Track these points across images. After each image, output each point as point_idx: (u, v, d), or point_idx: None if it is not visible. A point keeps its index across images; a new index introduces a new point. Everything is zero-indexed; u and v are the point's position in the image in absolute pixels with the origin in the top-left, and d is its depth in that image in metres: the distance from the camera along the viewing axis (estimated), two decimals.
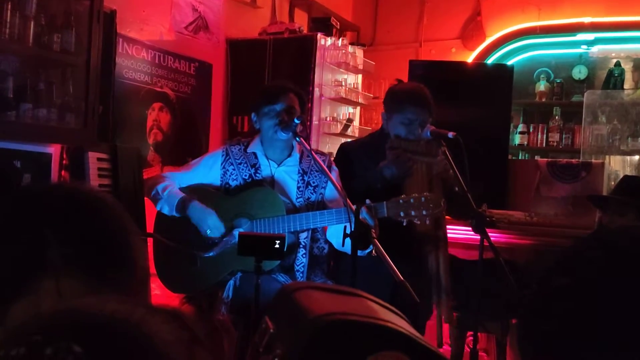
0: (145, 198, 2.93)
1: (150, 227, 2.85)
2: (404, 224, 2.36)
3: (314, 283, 2.33)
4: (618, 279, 0.55)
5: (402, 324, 0.66)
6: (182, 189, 2.59)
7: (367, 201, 2.34)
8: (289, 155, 2.63)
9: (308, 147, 2.46)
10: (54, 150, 2.88)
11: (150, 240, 2.91)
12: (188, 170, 2.67)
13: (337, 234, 2.54)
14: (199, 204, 2.49)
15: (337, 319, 0.60)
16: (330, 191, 2.61)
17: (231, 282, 2.49)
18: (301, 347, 0.60)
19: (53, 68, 2.78)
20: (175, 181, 2.61)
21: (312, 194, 2.61)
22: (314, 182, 2.62)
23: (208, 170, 2.63)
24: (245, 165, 2.60)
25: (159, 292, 3.19)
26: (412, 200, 2.32)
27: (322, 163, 2.43)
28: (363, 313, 0.64)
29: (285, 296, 0.72)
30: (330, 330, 0.60)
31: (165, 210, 2.54)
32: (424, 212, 2.31)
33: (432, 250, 2.64)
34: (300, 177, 2.61)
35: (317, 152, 2.70)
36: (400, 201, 2.33)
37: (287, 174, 2.62)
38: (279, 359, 0.62)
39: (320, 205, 2.60)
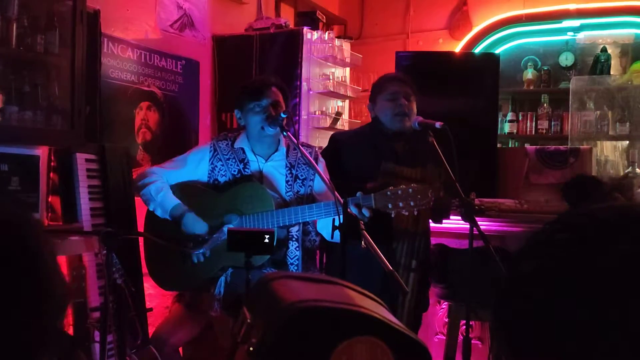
0: (135, 197, 2.93)
1: (140, 226, 2.85)
2: (392, 216, 2.37)
3: (291, 272, 2.34)
4: (582, 261, 0.56)
5: (378, 310, 0.66)
6: (171, 187, 2.58)
7: (358, 193, 2.35)
8: (276, 150, 2.63)
9: (295, 141, 2.46)
10: (41, 152, 2.86)
11: (140, 239, 2.91)
12: (176, 168, 2.66)
13: (327, 226, 2.54)
14: (193, 216, 2.49)
15: (310, 305, 0.61)
16: (319, 183, 2.61)
17: (222, 278, 2.49)
18: (273, 334, 0.60)
19: (37, 70, 2.76)
20: (164, 178, 2.60)
21: (300, 187, 2.61)
22: (302, 175, 2.62)
23: (195, 166, 2.63)
24: (234, 160, 2.60)
25: (152, 292, 3.19)
26: (399, 192, 2.32)
27: (309, 156, 2.44)
28: (337, 300, 0.64)
29: (262, 286, 0.72)
30: (303, 317, 0.60)
31: (159, 213, 2.54)
32: (412, 203, 2.32)
33: (408, 242, 2.68)
34: (288, 171, 2.61)
35: (304, 144, 2.71)
36: (388, 193, 2.33)
37: (275, 168, 2.62)
38: (253, 348, 0.62)
39: (309, 198, 2.60)
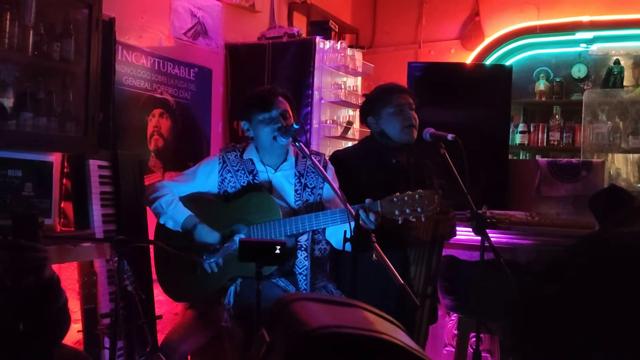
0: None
1: (152, 233, 2.86)
2: (399, 222, 2.35)
3: (310, 294, 2.33)
4: (603, 285, 0.56)
5: (397, 335, 0.66)
6: (180, 199, 2.60)
7: (367, 200, 2.34)
8: (285, 159, 2.64)
9: (307, 152, 2.46)
10: (54, 158, 2.89)
11: (151, 248, 2.92)
12: (186, 181, 2.66)
13: (335, 233, 2.54)
14: (205, 228, 2.50)
15: (331, 332, 0.61)
16: (328, 191, 2.61)
17: (232, 288, 2.49)
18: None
19: (53, 77, 2.78)
20: (174, 191, 2.61)
21: (310, 195, 2.61)
22: (311, 184, 2.62)
23: (205, 178, 2.64)
24: (243, 172, 2.60)
25: (162, 299, 3.20)
26: (405, 198, 2.30)
27: (320, 166, 2.44)
28: (358, 325, 0.64)
29: (282, 307, 0.72)
30: (324, 343, 0.60)
31: (170, 225, 2.55)
32: (419, 210, 2.29)
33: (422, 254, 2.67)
34: (297, 180, 2.61)
35: (313, 152, 2.70)
36: (394, 199, 2.31)
37: (285, 178, 2.62)
38: None
39: (319, 206, 2.60)
